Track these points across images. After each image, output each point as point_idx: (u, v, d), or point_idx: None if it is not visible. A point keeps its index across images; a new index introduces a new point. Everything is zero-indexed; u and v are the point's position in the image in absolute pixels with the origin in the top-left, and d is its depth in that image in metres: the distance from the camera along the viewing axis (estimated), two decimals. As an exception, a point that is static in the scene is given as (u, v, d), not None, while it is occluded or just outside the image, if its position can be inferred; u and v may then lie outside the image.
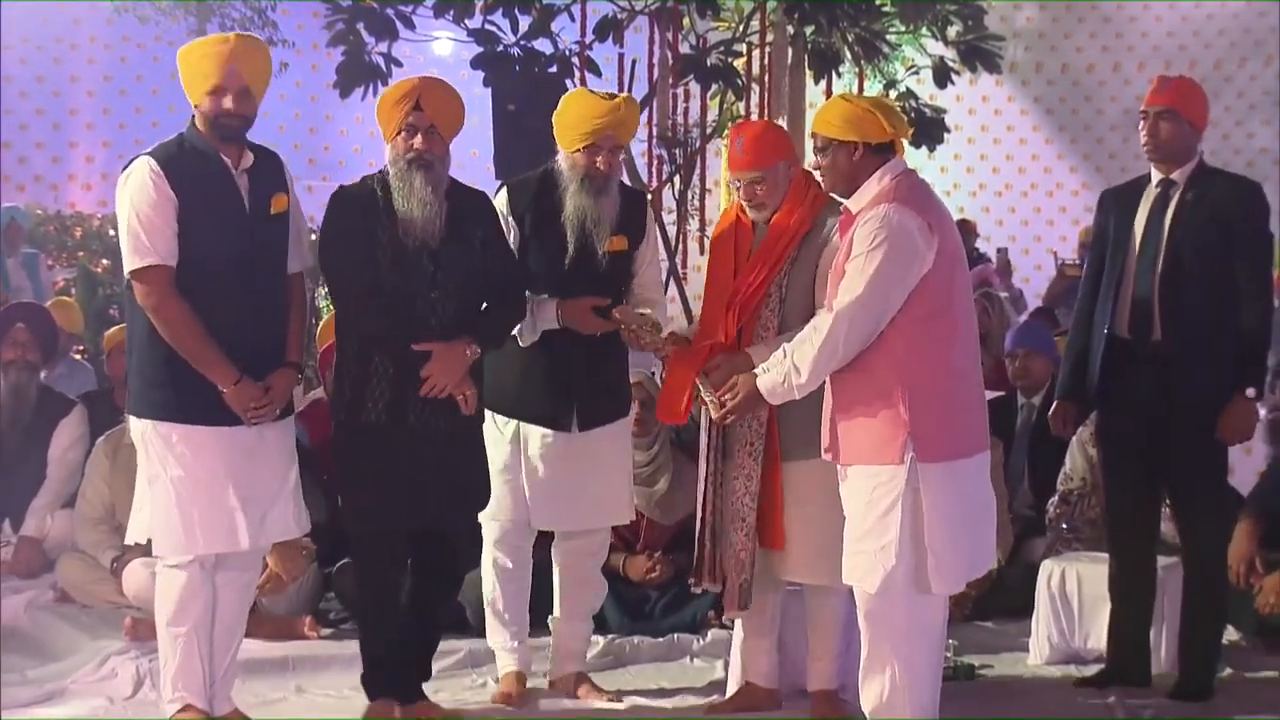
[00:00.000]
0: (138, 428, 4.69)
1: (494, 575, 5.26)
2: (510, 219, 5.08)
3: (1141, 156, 5.40)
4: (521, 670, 5.29)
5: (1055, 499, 6.20)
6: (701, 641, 5.82)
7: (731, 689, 5.12)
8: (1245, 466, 7.05)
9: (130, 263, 4.58)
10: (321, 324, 6.82)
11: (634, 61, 9.38)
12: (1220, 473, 5.34)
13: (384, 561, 4.90)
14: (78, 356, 8.96)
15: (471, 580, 5.32)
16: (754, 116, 9.37)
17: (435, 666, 5.18)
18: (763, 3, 9.35)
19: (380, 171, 4.83)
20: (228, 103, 4.58)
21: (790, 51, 9.24)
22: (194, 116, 4.67)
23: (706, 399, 4.65)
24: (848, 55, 9.60)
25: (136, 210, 4.55)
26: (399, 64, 8.70)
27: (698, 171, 9.64)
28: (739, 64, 9.60)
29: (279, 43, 10.68)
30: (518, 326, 5.02)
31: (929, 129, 9.81)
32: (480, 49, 8.86)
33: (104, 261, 11.11)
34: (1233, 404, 5.14)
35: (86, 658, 5.58)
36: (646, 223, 5.27)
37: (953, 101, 11.27)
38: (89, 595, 6.05)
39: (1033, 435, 6.73)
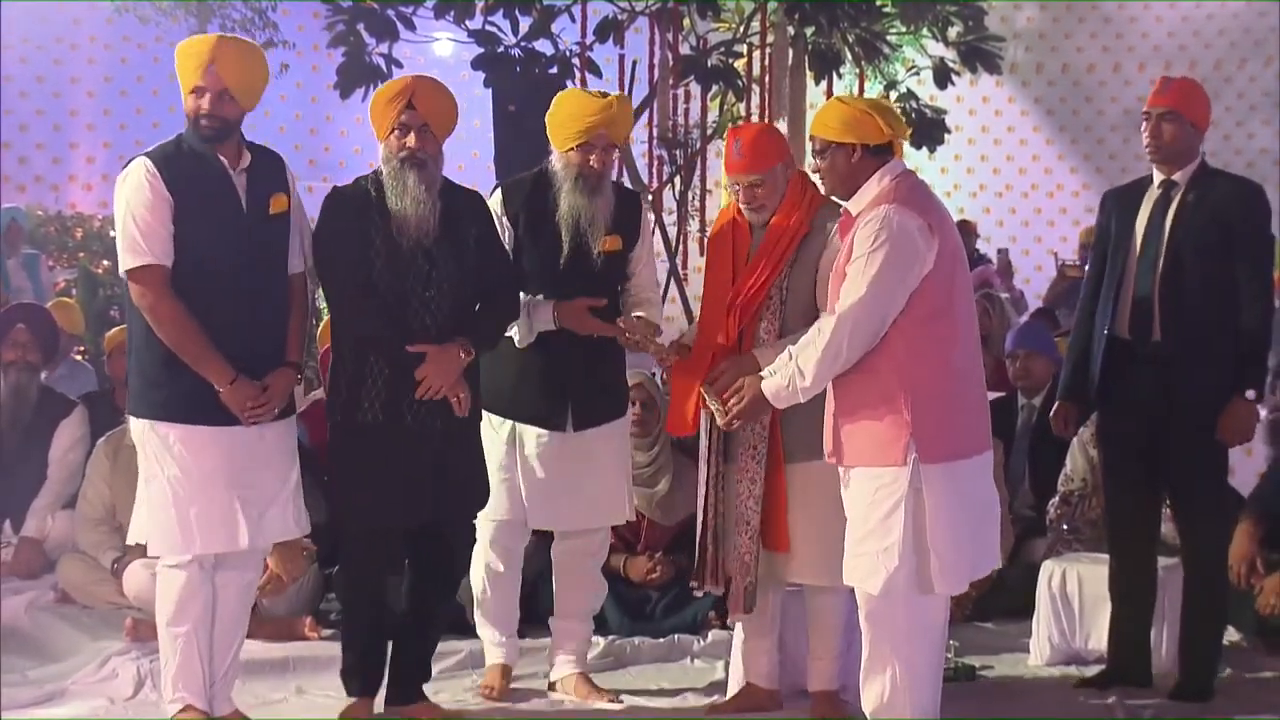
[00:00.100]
0: (137, 428, 4.69)
1: (483, 576, 5.26)
2: (504, 219, 5.09)
3: (1142, 157, 5.41)
4: (507, 664, 5.33)
5: (1056, 500, 6.20)
6: (702, 642, 5.82)
7: (732, 690, 5.13)
8: (1245, 467, 7.06)
9: (126, 262, 4.59)
10: (322, 325, 6.82)
11: (634, 62, 9.39)
12: (1220, 473, 5.34)
13: (377, 561, 4.91)
14: (78, 357, 8.96)
15: (470, 581, 5.32)
16: (755, 117, 9.38)
17: (435, 667, 5.19)
18: (763, 3, 9.35)
19: (374, 172, 4.83)
20: (205, 104, 4.58)
21: (791, 52, 9.25)
22: None
23: (713, 408, 4.65)
24: (848, 56, 9.61)
25: (132, 211, 4.55)
26: (399, 65, 8.70)
27: (698, 172, 9.64)
28: (739, 65, 9.60)
29: (279, 44, 10.66)
30: (513, 327, 5.02)
31: (929, 130, 9.81)
32: (481, 50, 8.86)
33: (105, 262, 11.10)
34: (1232, 405, 5.14)
35: (87, 658, 5.58)
36: (641, 223, 5.27)
37: (953, 102, 11.28)
38: (89, 596, 6.05)
39: (1033, 436, 6.73)
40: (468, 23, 8.98)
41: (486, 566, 5.24)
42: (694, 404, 4.79)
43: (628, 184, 9.51)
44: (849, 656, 4.85)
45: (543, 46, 8.90)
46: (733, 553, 4.83)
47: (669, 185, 9.68)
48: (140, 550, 5.07)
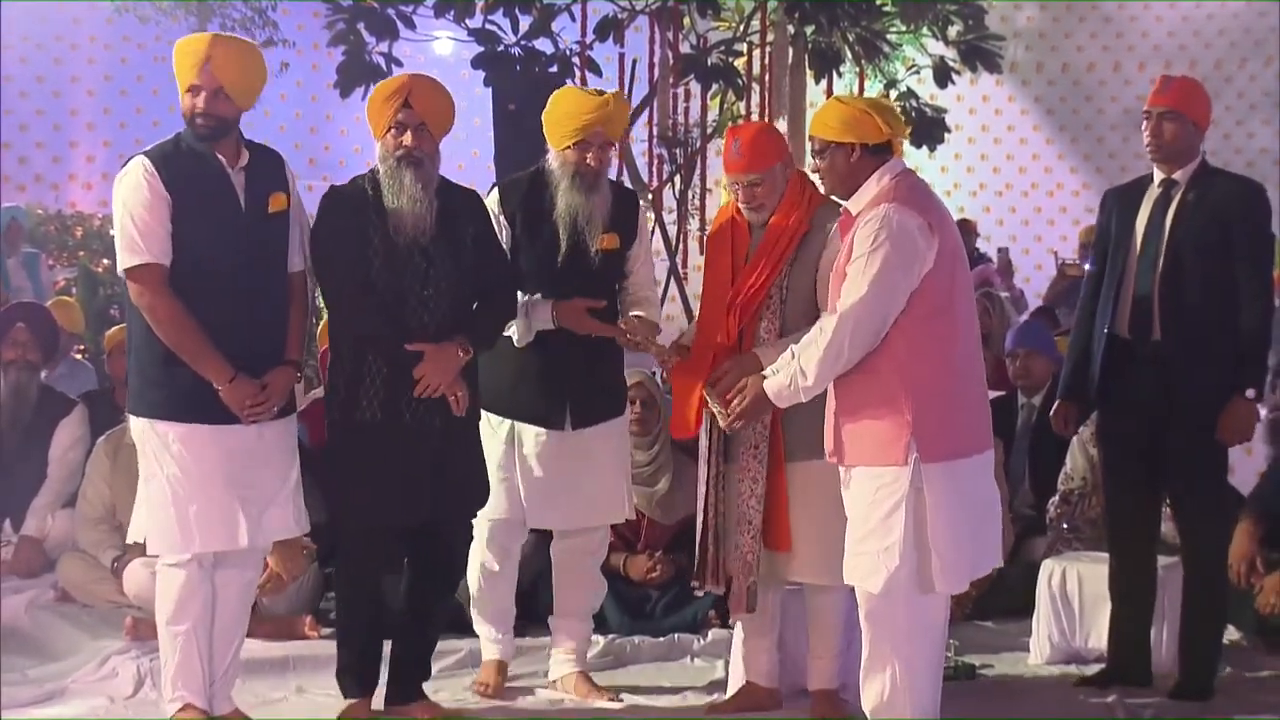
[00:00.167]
0: (136, 427, 4.69)
1: (479, 575, 5.27)
2: (502, 218, 5.09)
3: (1142, 156, 5.40)
4: (503, 660, 5.33)
5: (1056, 499, 6.20)
6: (702, 641, 5.82)
7: (732, 688, 5.12)
8: (1245, 467, 7.06)
9: (124, 261, 4.59)
10: (322, 323, 6.82)
11: (634, 61, 9.39)
12: (1220, 473, 5.34)
13: (375, 560, 4.91)
14: (78, 356, 8.96)
15: (468, 579, 5.33)
16: (754, 116, 9.38)
17: (435, 667, 5.19)
18: (763, 2, 9.36)
19: (371, 171, 4.83)
20: (200, 103, 4.58)
21: (791, 51, 9.26)
22: None
23: (715, 410, 4.65)
24: (848, 55, 9.62)
25: (130, 210, 4.56)
26: (399, 64, 8.71)
27: (698, 171, 9.65)
28: (739, 64, 9.61)
29: (279, 42, 10.67)
30: (511, 327, 5.02)
31: (930, 129, 9.82)
32: (481, 49, 8.87)
33: (105, 261, 11.10)
34: (1232, 404, 5.13)
35: (87, 657, 5.58)
36: (639, 221, 5.27)
37: (953, 101, 11.28)
38: (89, 595, 6.05)
39: (1033, 435, 6.73)
40: (468, 21, 8.99)
41: (482, 565, 5.25)
42: (696, 406, 4.79)
43: (628, 183, 9.53)
44: (849, 655, 4.85)
45: (543, 45, 8.91)
46: (735, 552, 4.82)
47: (669, 184, 9.68)
48: (140, 549, 5.06)
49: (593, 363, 5.13)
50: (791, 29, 9.27)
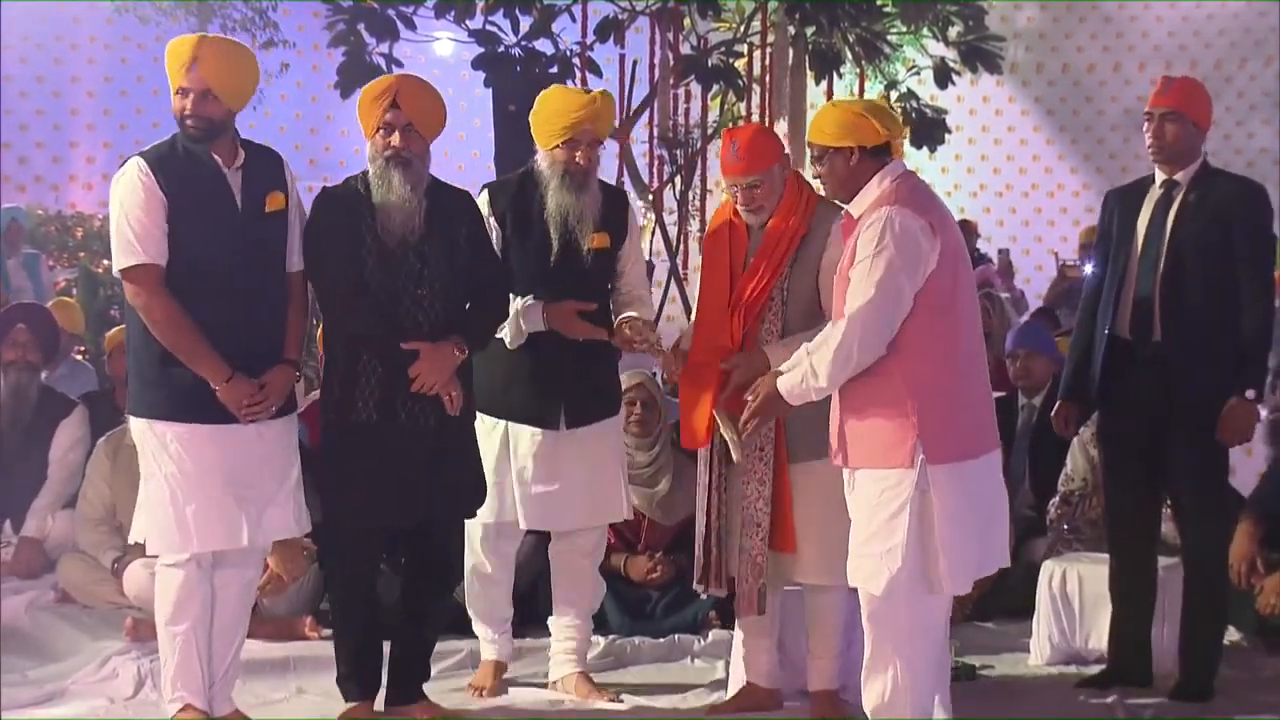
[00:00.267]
0: (136, 427, 4.69)
1: (474, 578, 5.27)
2: (491, 219, 5.08)
3: (1143, 157, 5.40)
4: (500, 661, 5.34)
5: (1056, 499, 6.20)
6: (702, 642, 5.81)
7: (733, 689, 5.12)
8: (1246, 467, 7.05)
9: (120, 262, 4.59)
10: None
11: (635, 62, 9.41)
12: (1221, 473, 5.33)
13: (371, 561, 4.92)
14: (79, 357, 8.95)
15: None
16: (755, 117, 9.39)
17: (435, 666, 5.19)
18: (764, 3, 9.37)
19: (364, 171, 4.84)
20: (188, 104, 4.59)
21: (791, 52, 9.27)
22: None
23: (728, 437, 4.64)
24: (849, 56, 9.63)
25: (126, 210, 4.56)
26: (400, 64, 8.73)
27: (699, 172, 9.65)
28: (740, 64, 9.63)
29: (280, 43, 10.68)
30: (503, 329, 5.02)
31: (930, 130, 9.84)
32: (481, 50, 8.88)
33: (105, 262, 11.07)
34: (1233, 405, 5.13)
35: (87, 658, 5.58)
36: (628, 220, 5.27)
37: (954, 102, 11.29)
38: (90, 596, 6.05)
39: (1034, 436, 6.73)
40: (468, 22, 9.00)
41: (476, 568, 5.25)
42: (706, 417, 4.77)
43: (629, 184, 9.54)
44: (849, 656, 4.85)
45: (543, 46, 8.92)
46: (743, 555, 4.80)
47: (669, 185, 9.69)
48: (140, 550, 5.06)
49: (586, 362, 5.12)
50: (792, 30, 9.28)
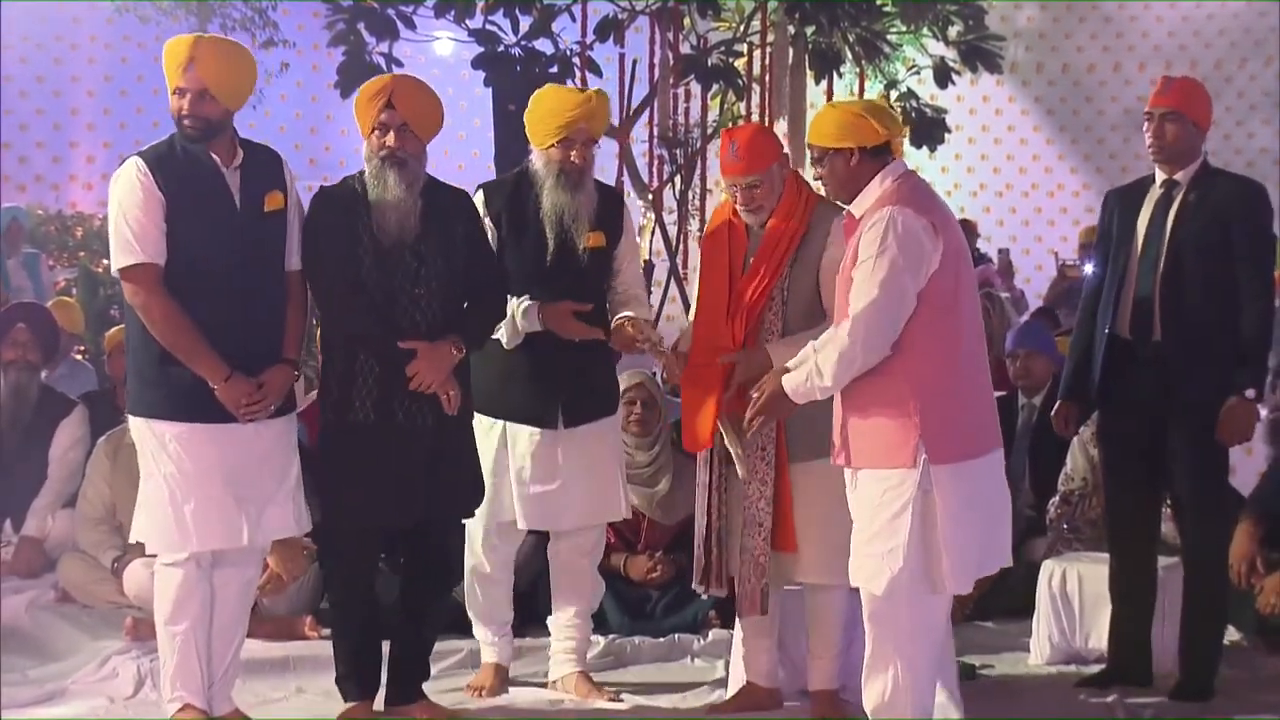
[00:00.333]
0: (135, 426, 4.69)
1: (474, 579, 5.27)
2: (487, 219, 5.08)
3: (1143, 156, 5.40)
4: (500, 663, 5.33)
5: (1056, 499, 6.20)
6: (702, 641, 5.81)
7: (733, 689, 5.12)
8: (1246, 467, 7.05)
9: (118, 261, 4.60)
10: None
11: (635, 62, 9.41)
12: (1221, 473, 5.33)
13: (369, 560, 4.92)
14: (79, 357, 8.95)
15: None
16: (755, 117, 9.39)
17: (435, 666, 5.19)
18: (764, 3, 9.37)
19: (360, 171, 4.84)
20: (185, 104, 4.59)
21: (791, 51, 9.27)
22: None
23: (731, 449, 4.63)
24: (848, 55, 9.63)
25: (124, 210, 4.56)
26: (400, 64, 8.73)
27: (699, 171, 9.66)
28: (740, 64, 9.63)
29: (280, 43, 10.68)
30: (499, 329, 5.02)
31: (930, 129, 9.84)
32: (481, 49, 8.89)
33: (105, 261, 11.03)
34: (1232, 405, 5.13)
35: (87, 658, 5.58)
36: (624, 219, 5.27)
37: (954, 102, 11.29)
38: (90, 595, 6.05)
39: (1034, 435, 6.73)
40: (468, 22, 9.00)
41: (475, 569, 5.25)
42: (709, 420, 4.77)
43: (628, 183, 9.54)
44: (849, 655, 4.85)
45: (543, 46, 8.92)
46: (745, 555, 4.80)
47: (669, 185, 9.69)
48: (140, 549, 5.07)
49: (583, 361, 5.12)
50: (792, 29, 9.28)
